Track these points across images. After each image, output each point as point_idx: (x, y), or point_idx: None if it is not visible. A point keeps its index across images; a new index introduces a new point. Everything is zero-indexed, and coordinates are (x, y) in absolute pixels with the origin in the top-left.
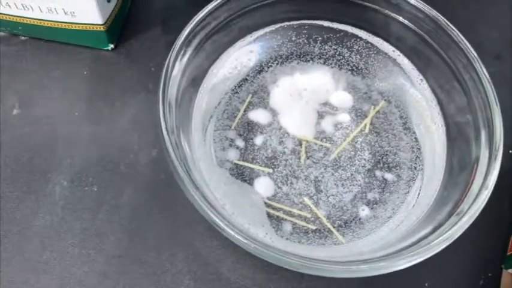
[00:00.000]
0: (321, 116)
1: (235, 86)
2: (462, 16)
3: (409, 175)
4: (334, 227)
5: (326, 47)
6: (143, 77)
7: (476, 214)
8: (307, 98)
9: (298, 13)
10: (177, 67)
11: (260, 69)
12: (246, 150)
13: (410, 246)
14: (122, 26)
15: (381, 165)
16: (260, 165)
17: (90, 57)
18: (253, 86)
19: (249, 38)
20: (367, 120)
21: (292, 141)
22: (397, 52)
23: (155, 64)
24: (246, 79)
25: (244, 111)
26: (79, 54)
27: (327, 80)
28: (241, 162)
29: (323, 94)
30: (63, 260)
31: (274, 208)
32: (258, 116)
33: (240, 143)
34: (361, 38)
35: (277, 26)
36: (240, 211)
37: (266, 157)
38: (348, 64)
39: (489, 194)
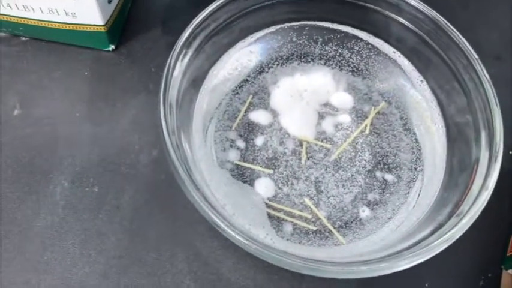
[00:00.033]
0: (321, 116)
1: (236, 87)
2: (462, 17)
3: (410, 176)
4: (334, 228)
5: (327, 48)
6: (144, 77)
7: (477, 215)
8: (307, 98)
9: (298, 14)
10: (178, 68)
11: (261, 70)
12: (247, 151)
13: (410, 247)
14: (122, 27)
15: (381, 166)
16: (261, 166)
17: (91, 58)
18: (253, 87)
19: (249, 39)
20: (368, 121)
21: (292, 142)
22: (398, 53)
23: (156, 65)
24: (247, 80)
25: (245, 112)
26: (80, 55)
27: (327, 80)
28: (241, 163)
29: (323, 95)
30: (64, 260)
31: (274, 209)
32: (259, 116)
33: (241, 143)
34: (361, 39)
35: (278, 27)
36: (240, 212)
37: (267, 158)
38: (349, 65)
39: (489, 195)
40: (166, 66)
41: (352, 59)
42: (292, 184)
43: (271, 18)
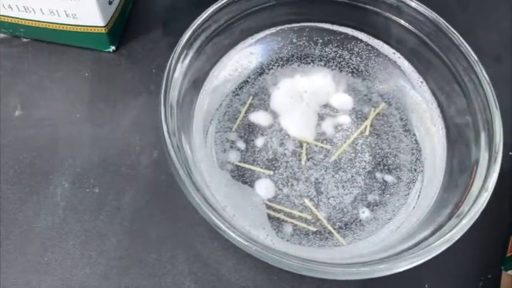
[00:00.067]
0: (321, 118)
1: (236, 88)
2: (462, 19)
3: (409, 177)
4: (334, 229)
5: (327, 49)
6: (144, 78)
7: (476, 216)
8: (307, 100)
9: (298, 15)
10: (179, 70)
11: (261, 71)
12: (247, 152)
13: (410, 248)
14: (123, 28)
15: (381, 167)
16: (261, 167)
17: (92, 59)
18: (254, 88)
19: (250, 40)
20: (368, 122)
21: (292, 143)
22: (398, 54)
23: (156, 66)
24: (247, 81)
25: (245, 113)
26: (80, 56)
27: (327, 82)
28: (242, 164)
29: (323, 96)
30: (64, 261)
31: (274, 210)
32: (259, 118)
33: (241, 145)
34: (361, 41)
35: (278, 28)
36: (240, 213)
37: (267, 159)
38: (349, 66)
39: (489, 196)
40: (167, 68)
41: (352, 61)
42: (292, 185)
43: (272, 19)
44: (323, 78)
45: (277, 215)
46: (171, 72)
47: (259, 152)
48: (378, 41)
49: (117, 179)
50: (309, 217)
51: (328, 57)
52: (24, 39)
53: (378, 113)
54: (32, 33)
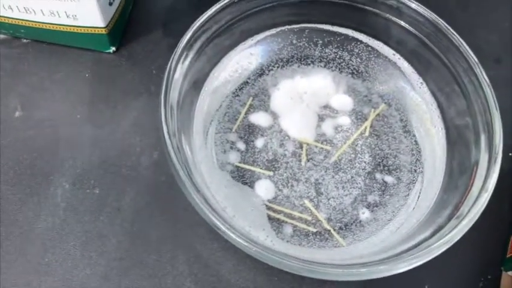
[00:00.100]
0: (321, 118)
1: (236, 89)
2: (462, 19)
3: (409, 178)
4: (334, 230)
5: (327, 51)
6: (145, 79)
7: (476, 217)
8: (307, 101)
9: (298, 17)
10: (179, 71)
11: (261, 72)
12: (247, 153)
13: (410, 249)
14: (123, 29)
15: (381, 168)
16: (261, 168)
17: (92, 60)
18: (254, 89)
19: (250, 41)
20: (368, 123)
21: (292, 144)
22: (397, 55)
23: (157, 66)
24: (247, 82)
25: (245, 114)
26: (81, 57)
27: (327, 83)
28: (242, 165)
29: (323, 97)
30: (65, 262)
31: (274, 211)
32: (259, 118)
33: (241, 145)
34: (361, 42)
35: (278, 29)
36: (240, 214)
37: (267, 160)
38: (349, 67)
39: (489, 197)
40: (167, 69)
41: (352, 61)
42: (292, 186)
43: (272, 20)
44: (323, 79)
45: (277, 216)
46: (171, 73)
47: (259, 153)
48: (378, 42)
49: (118, 180)
50: (309, 218)
51: (328, 58)
52: (25, 40)
53: (378, 114)
54: (33, 34)
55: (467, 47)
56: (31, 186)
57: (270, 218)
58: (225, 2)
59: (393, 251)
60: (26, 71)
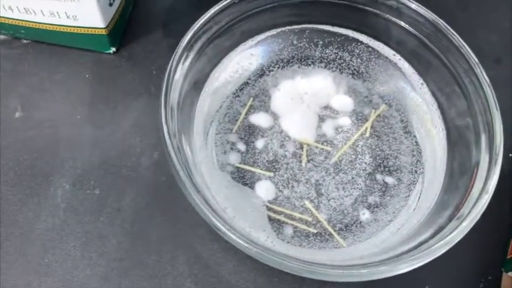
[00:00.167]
0: (322, 119)
1: (237, 90)
2: (462, 19)
3: (410, 179)
4: (335, 231)
5: (327, 51)
6: (145, 80)
7: (477, 218)
8: (308, 101)
9: (299, 17)
10: (179, 71)
11: (261, 73)
12: (247, 154)
13: (411, 250)
14: (123, 30)
15: (382, 168)
16: (261, 169)
17: (92, 61)
18: (254, 90)
19: (250, 42)
20: (368, 124)
21: (293, 144)
22: (398, 56)
23: (157, 67)
24: (248, 83)
25: (246, 114)
26: (81, 57)
27: (328, 83)
28: (242, 166)
29: (324, 98)
30: (65, 262)
31: (275, 212)
32: (259, 119)
33: (241, 146)
34: (362, 42)
35: (279, 30)
36: (241, 215)
37: (267, 160)
38: (349, 68)
39: (489, 198)
40: (168, 69)
41: (353, 62)
42: (292, 187)
43: (272, 21)
44: (323, 80)
45: (278, 217)
46: (171, 74)
47: (260, 154)
48: (378, 42)
49: (118, 181)
50: (310, 219)
51: (328, 59)
52: (25, 41)
53: (379, 115)
54: (33, 34)
55: (467, 48)
56: (31, 187)
57: (270, 218)
58: (226, 2)
59: (394, 251)
60: (26, 72)
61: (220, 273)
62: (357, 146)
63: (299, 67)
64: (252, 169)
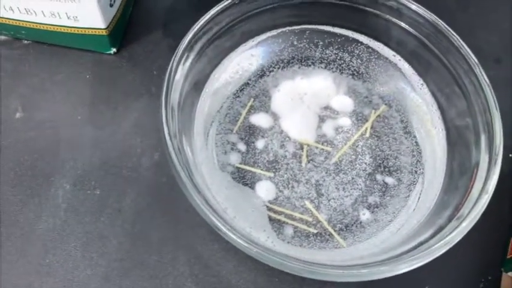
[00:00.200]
0: (322, 120)
1: (237, 90)
2: (462, 19)
3: (410, 179)
4: (335, 231)
5: (327, 52)
6: (145, 80)
7: (477, 218)
8: (308, 102)
9: (299, 18)
10: (180, 72)
11: (262, 73)
12: (248, 154)
13: (410, 250)
14: (124, 30)
15: (382, 169)
16: (261, 169)
17: (93, 61)
18: (254, 90)
19: (250, 42)
20: (368, 124)
21: (293, 145)
22: (398, 57)
23: (157, 67)
24: (248, 83)
25: (246, 115)
26: (81, 58)
27: (328, 84)
28: (242, 166)
29: (324, 98)
30: (66, 263)
31: (275, 212)
32: (260, 120)
33: (242, 146)
34: (362, 43)
35: (279, 30)
36: (241, 215)
37: (267, 161)
38: (349, 68)
39: (489, 199)
40: (168, 70)
41: (353, 63)
42: (292, 187)
43: (273, 22)
44: (323, 81)
45: (278, 217)
46: (172, 74)
47: (260, 154)
48: (378, 43)
49: (118, 181)
50: (310, 219)
51: (328, 60)
52: (26, 41)
53: (379, 115)
54: (33, 35)
55: (467, 48)
56: (32, 188)
57: (270, 219)
58: (226, 3)
59: (394, 252)
60: (26, 72)
61: (221, 273)
62: (357, 147)
63: (299, 68)
64: (253, 169)
